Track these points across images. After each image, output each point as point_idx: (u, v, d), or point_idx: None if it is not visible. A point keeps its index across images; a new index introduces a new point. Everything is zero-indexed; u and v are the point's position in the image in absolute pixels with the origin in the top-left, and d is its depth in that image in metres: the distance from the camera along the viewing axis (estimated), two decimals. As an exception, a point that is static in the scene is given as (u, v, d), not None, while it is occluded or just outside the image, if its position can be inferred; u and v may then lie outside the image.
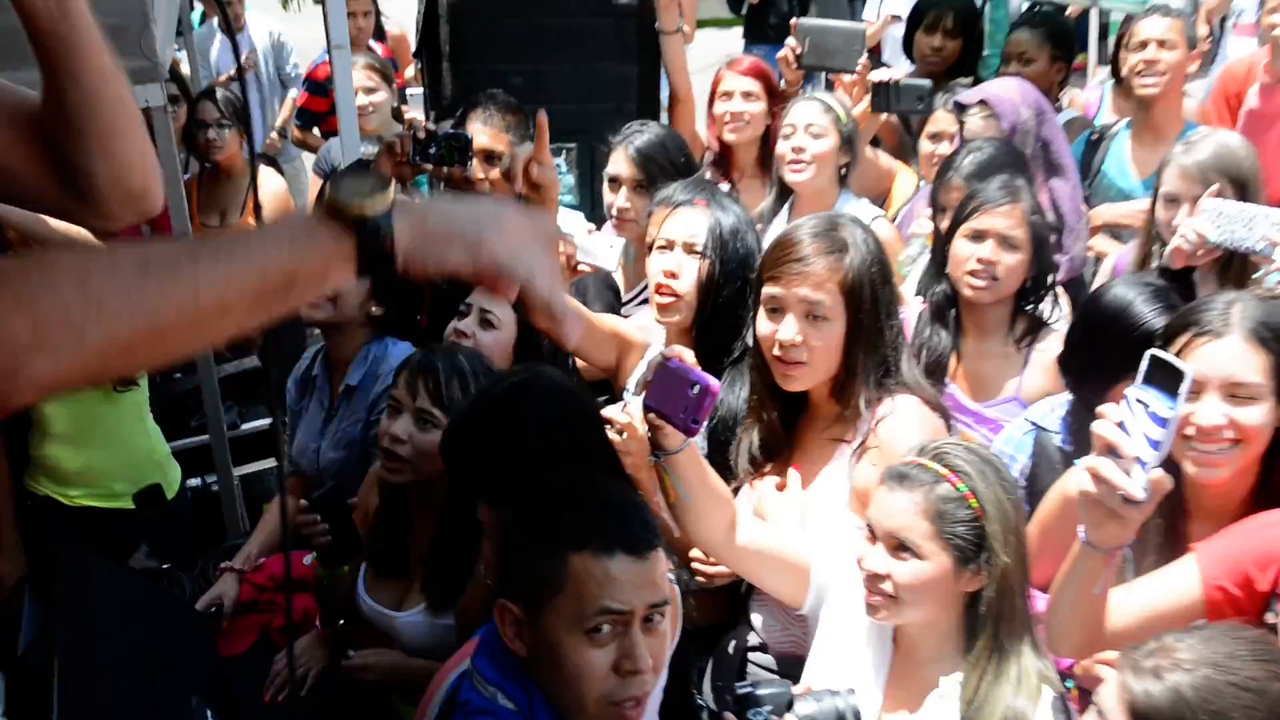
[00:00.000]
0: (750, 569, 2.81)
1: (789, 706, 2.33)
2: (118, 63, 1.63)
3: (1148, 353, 2.16)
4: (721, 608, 3.08)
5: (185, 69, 7.24)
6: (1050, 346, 3.53)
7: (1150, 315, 3.12)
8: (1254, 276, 3.56)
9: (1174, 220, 3.68)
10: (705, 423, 2.51)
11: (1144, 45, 4.88)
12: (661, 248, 3.37)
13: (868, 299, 2.87)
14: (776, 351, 2.87)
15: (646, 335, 3.46)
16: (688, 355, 2.51)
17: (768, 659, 2.95)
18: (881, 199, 4.94)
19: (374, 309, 3.75)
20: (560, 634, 2.04)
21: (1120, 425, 2.11)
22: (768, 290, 2.91)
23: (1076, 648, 2.49)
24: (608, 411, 2.73)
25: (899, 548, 2.43)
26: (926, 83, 4.76)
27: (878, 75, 4.66)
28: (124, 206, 1.69)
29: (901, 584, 2.43)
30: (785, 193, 4.51)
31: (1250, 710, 1.92)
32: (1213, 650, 1.99)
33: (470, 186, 4.01)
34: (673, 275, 3.28)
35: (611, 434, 2.70)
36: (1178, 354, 2.48)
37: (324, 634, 3.35)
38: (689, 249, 3.30)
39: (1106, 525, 2.19)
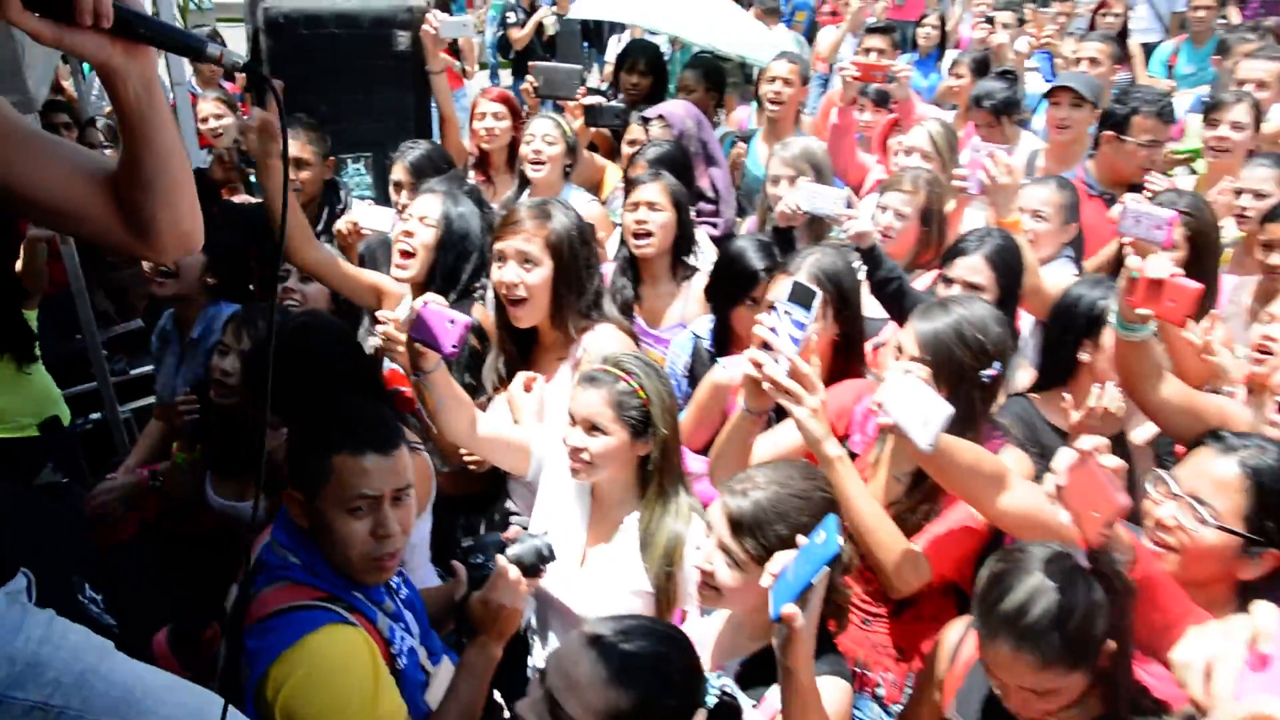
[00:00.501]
0: (488, 452, 2.97)
1: (502, 549, 2.45)
2: (178, 134, 1.68)
3: (790, 279, 2.42)
4: (484, 480, 3.26)
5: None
6: (699, 282, 3.83)
7: (755, 260, 3.48)
8: (830, 234, 4.06)
9: (779, 195, 4.09)
10: (461, 348, 2.65)
11: (773, 80, 5.38)
12: (406, 219, 3.66)
13: (568, 252, 3.12)
14: (504, 293, 3.13)
15: (402, 286, 3.64)
16: (441, 300, 2.68)
17: (525, 519, 3.08)
18: (595, 188, 5.26)
19: (210, 280, 3.85)
20: (330, 512, 2.18)
21: (772, 329, 2.35)
22: (496, 246, 3.17)
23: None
24: (381, 314, 2.95)
25: (592, 428, 2.64)
26: (621, 105, 5.28)
27: (587, 100, 5.08)
28: (176, 245, 1.73)
29: (595, 454, 2.65)
30: (525, 184, 4.82)
31: (800, 509, 2.18)
32: (779, 475, 2.25)
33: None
34: (409, 235, 3.55)
35: (381, 330, 2.93)
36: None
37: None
38: (423, 220, 3.57)
39: (759, 397, 2.40)
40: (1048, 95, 5.14)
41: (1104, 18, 8.14)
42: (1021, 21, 7.92)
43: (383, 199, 4.95)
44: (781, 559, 1.90)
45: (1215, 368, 3.22)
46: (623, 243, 4.07)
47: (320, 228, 4.58)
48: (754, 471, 2.31)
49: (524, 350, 3.33)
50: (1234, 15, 10.31)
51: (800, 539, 1.89)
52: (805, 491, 2.23)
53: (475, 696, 2.35)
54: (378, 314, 2.96)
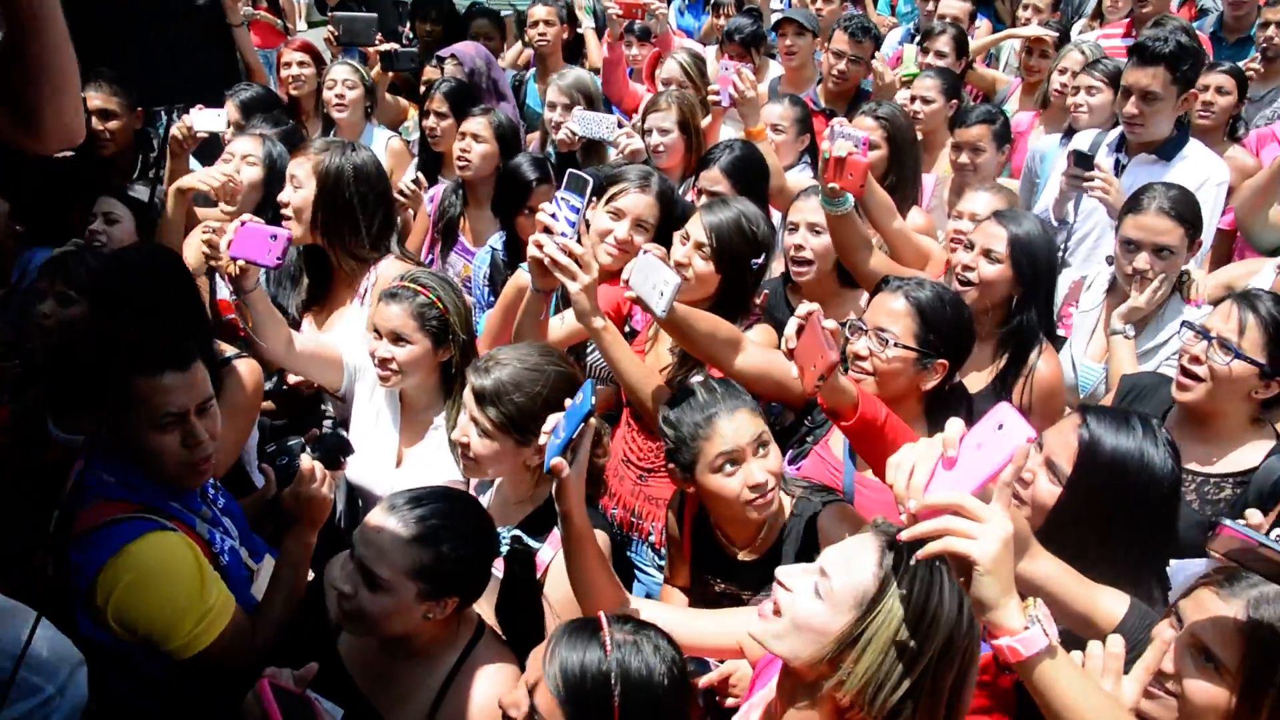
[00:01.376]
0: (305, 368, 2.87)
1: (304, 449, 2.34)
2: (66, 30, 1.50)
3: (569, 171, 2.36)
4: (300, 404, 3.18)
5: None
6: None
7: (529, 172, 3.44)
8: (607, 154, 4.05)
9: (557, 120, 4.06)
10: (284, 260, 2.53)
11: (535, 24, 5.26)
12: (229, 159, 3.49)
13: (333, 184, 2.96)
14: (282, 211, 2.98)
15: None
16: (257, 219, 2.57)
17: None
18: (399, 124, 5.14)
19: (17, 228, 3.56)
20: (141, 431, 2.08)
21: (553, 215, 2.31)
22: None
23: None
24: (207, 237, 2.71)
25: (397, 339, 2.56)
26: (415, 50, 5.06)
27: (384, 47, 4.85)
28: (60, 137, 1.56)
29: (402, 361, 2.56)
30: (330, 124, 4.67)
31: (534, 379, 2.22)
32: (518, 353, 2.29)
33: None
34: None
35: (203, 247, 2.68)
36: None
37: None
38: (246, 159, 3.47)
39: (544, 276, 2.35)
40: (775, 27, 5.21)
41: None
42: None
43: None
44: (553, 420, 1.89)
45: (926, 253, 3.37)
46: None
47: (135, 175, 4.21)
48: (497, 351, 2.31)
49: (320, 279, 3.17)
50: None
51: (568, 403, 1.87)
52: (539, 365, 2.25)
53: (297, 581, 2.28)
54: (204, 239, 2.70)
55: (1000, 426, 1.33)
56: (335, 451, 2.40)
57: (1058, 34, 5.24)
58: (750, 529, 2.22)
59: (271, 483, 2.50)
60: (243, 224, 2.50)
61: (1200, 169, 3.49)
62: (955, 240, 3.21)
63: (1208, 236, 3.37)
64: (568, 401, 1.86)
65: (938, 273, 3.30)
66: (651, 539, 2.77)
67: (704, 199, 3.29)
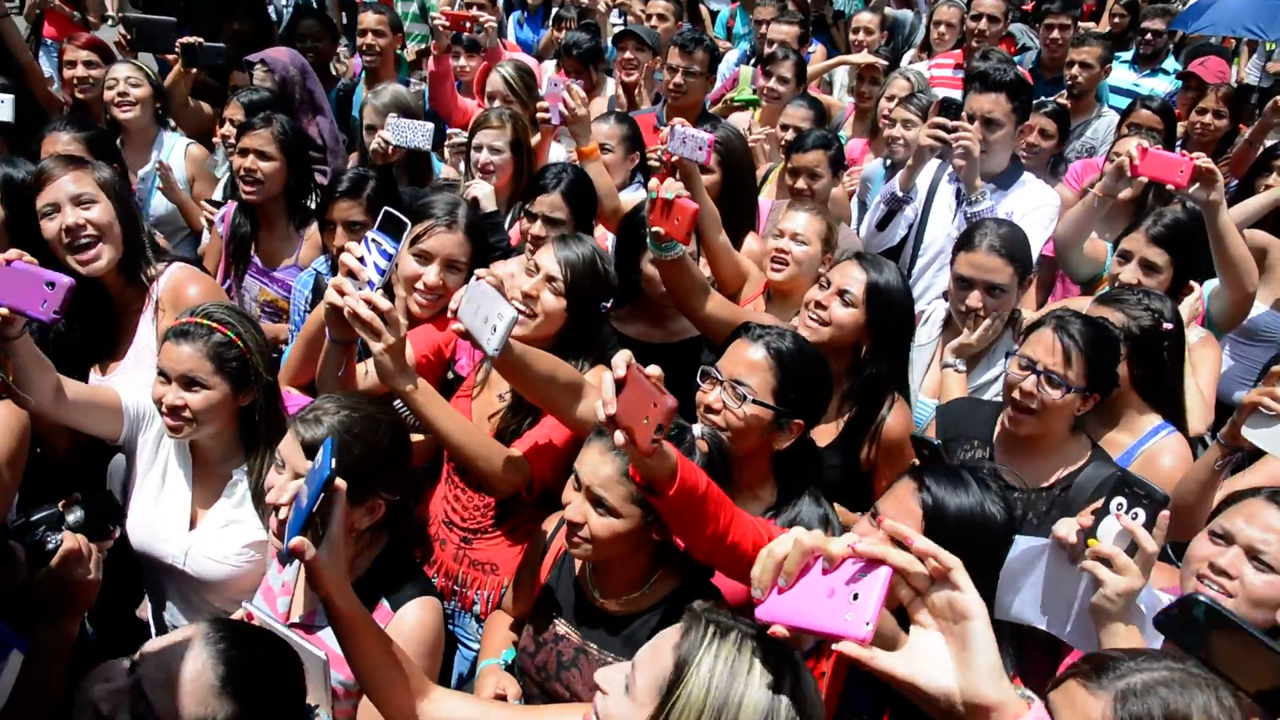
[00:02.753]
0: (78, 418, 2.36)
1: (60, 520, 2.01)
2: None
3: (385, 209, 2.07)
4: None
5: None
6: (316, 228, 3.38)
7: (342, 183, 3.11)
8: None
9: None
10: (64, 313, 1.99)
11: (364, 34, 4.91)
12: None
13: (120, 189, 2.65)
14: (69, 240, 2.54)
15: None
16: (28, 257, 2.04)
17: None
18: (202, 132, 4.53)
19: None
20: None
21: (360, 259, 2.03)
22: (43, 201, 2.57)
23: None
24: None
25: (189, 384, 2.19)
26: (219, 45, 4.50)
27: (185, 40, 4.29)
28: None
29: (196, 409, 2.20)
30: (117, 129, 4.10)
31: (372, 428, 1.95)
32: (349, 400, 2.00)
33: None
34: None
35: None
36: None
37: None
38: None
39: (342, 327, 2.07)
40: (615, 41, 5.04)
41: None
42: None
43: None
44: (290, 488, 1.59)
45: (745, 272, 3.24)
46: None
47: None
48: (321, 401, 2.00)
49: (99, 310, 2.72)
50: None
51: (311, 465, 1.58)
52: (373, 414, 1.98)
53: (53, 683, 1.87)
54: None
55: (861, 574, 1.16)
56: (103, 520, 2.03)
57: (888, 62, 5.27)
58: (623, 581, 1.97)
59: (21, 565, 2.00)
60: (7, 263, 1.99)
61: (1037, 196, 3.51)
62: (777, 260, 3.07)
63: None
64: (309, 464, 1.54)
65: (754, 294, 3.23)
66: (476, 609, 2.47)
67: (538, 224, 3.06)
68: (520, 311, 2.36)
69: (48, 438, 2.58)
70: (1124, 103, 6.00)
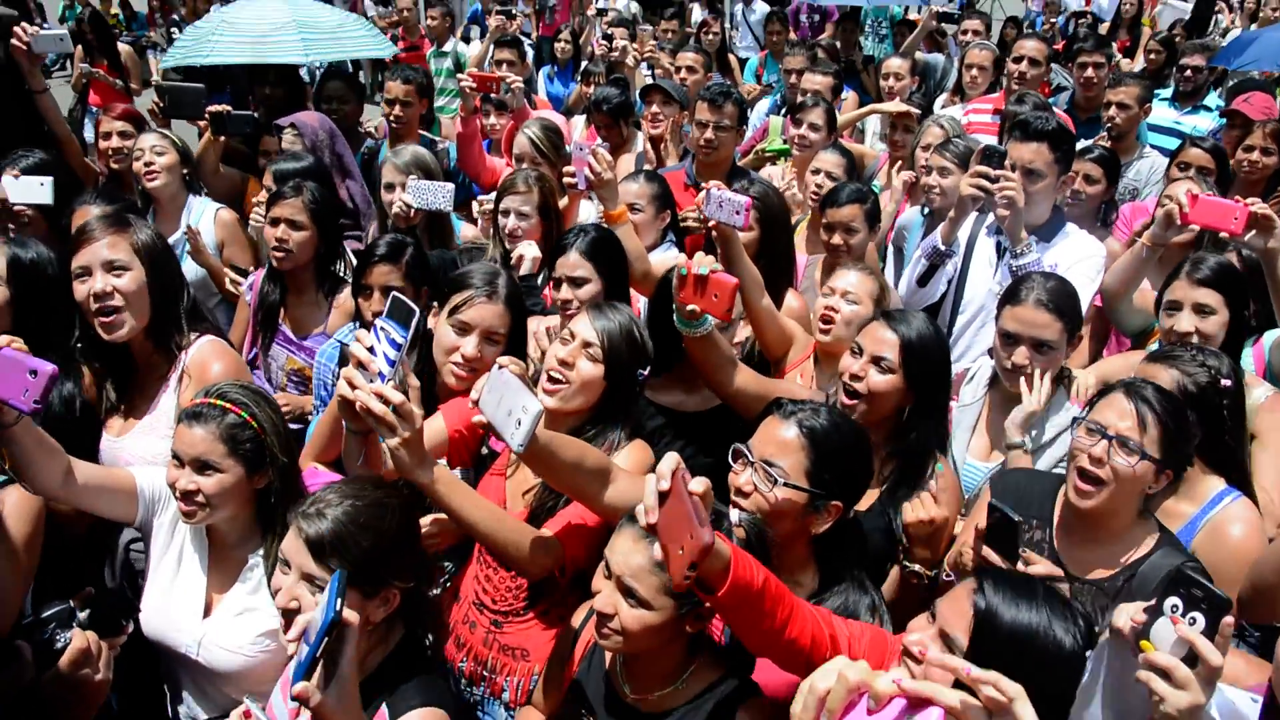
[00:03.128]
0: (90, 502, 2.33)
1: (71, 615, 1.95)
2: None
3: (393, 296, 1.99)
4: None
5: None
6: (346, 296, 3.39)
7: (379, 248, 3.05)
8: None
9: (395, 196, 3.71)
10: (45, 403, 2.01)
11: (393, 104, 4.88)
12: None
13: (159, 257, 2.62)
14: (96, 306, 2.54)
15: None
16: (19, 343, 2.05)
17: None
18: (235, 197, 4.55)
19: None
20: None
21: (370, 348, 1.94)
22: (76, 263, 2.57)
23: None
24: None
25: (203, 468, 2.15)
26: (249, 113, 4.56)
27: (215, 109, 4.33)
28: None
29: (210, 494, 2.16)
30: (149, 200, 4.16)
31: (380, 515, 1.87)
32: (351, 489, 1.92)
33: None
34: None
35: None
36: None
37: None
38: None
39: (357, 418, 1.96)
40: (641, 95, 4.97)
41: (706, 35, 8.21)
42: (633, 37, 7.87)
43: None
44: (299, 624, 1.49)
45: (790, 335, 3.11)
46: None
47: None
48: (321, 493, 1.90)
49: (121, 378, 2.70)
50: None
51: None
52: (378, 499, 1.89)
53: None
54: None
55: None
56: (115, 615, 1.97)
57: (920, 109, 5.17)
58: (656, 675, 1.87)
59: (29, 664, 1.94)
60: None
61: (1082, 248, 3.38)
62: (826, 319, 2.97)
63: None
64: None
65: (802, 357, 3.10)
66: (505, 696, 2.34)
67: (564, 288, 2.98)
68: (553, 384, 2.31)
69: (66, 515, 2.49)
70: (1164, 141, 5.89)
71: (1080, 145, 5.06)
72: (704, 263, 2.30)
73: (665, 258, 3.61)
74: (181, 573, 2.33)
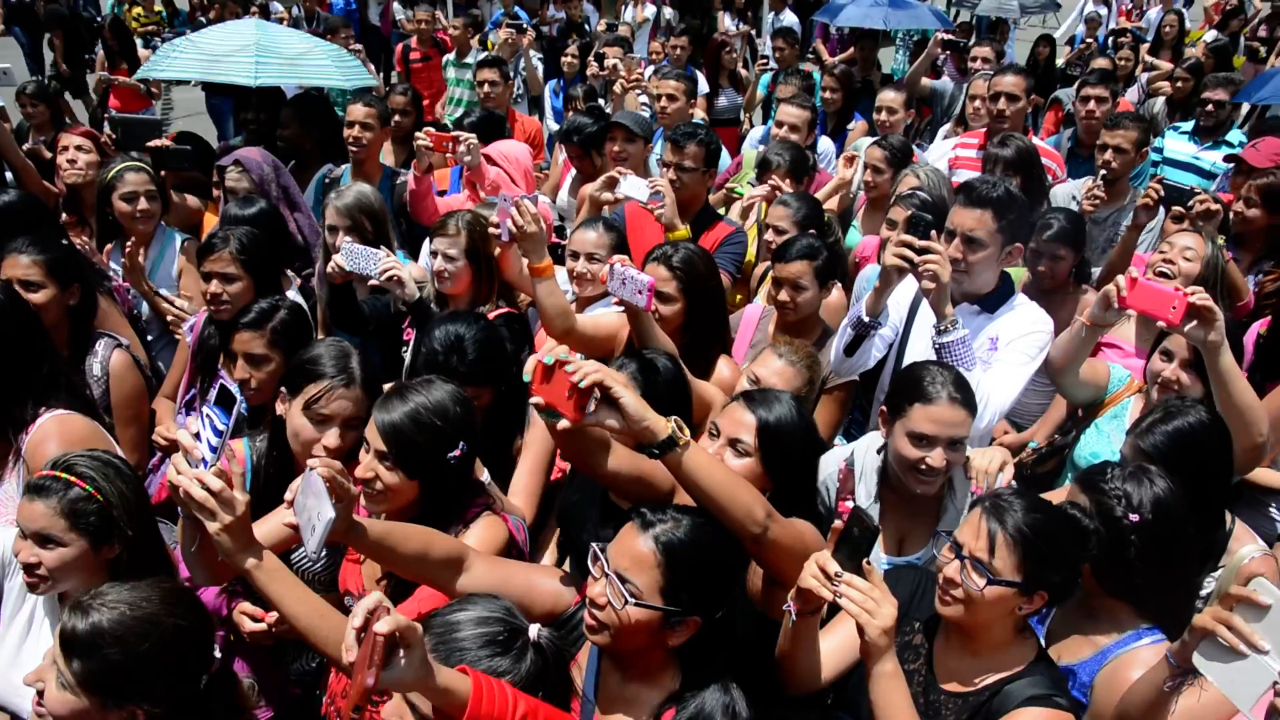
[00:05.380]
0: None
1: None
2: None
3: (219, 382, 2.00)
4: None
5: None
6: None
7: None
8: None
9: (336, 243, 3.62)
10: None
11: (352, 125, 4.75)
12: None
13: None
14: None
15: None
16: None
17: None
18: (195, 231, 4.52)
19: None
20: None
21: (196, 434, 1.95)
22: None
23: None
24: None
25: (45, 541, 2.14)
26: (188, 148, 4.57)
27: (155, 144, 4.39)
28: None
29: (50, 567, 2.16)
30: (113, 230, 4.10)
31: (143, 635, 1.81)
32: (135, 595, 1.87)
33: None
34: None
35: None
36: None
37: None
38: None
39: (185, 504, 1.91)
40: (605, 130, 4.80)
41: (726, 53, 8.08)
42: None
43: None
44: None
45: (709, 401, 2.93)
46: None
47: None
48: (108, 588, 1.87)
49: None
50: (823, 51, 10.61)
51: None
52: (155, 616, 1.83)
53: None
54: None
55: None
56: None
57: (898, 147, 4.91)
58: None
59: None
60: None
61: (1026, 322, 3.13)
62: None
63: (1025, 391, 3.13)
64: None
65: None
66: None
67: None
68: (369, 497, 2.23)
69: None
70: (1181, 176, 5.59)
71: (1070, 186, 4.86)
72: (552, 351, 2.12)
73: (607, 312, 3.49)
74: (31, 637, 2.30)
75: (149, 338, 3.97)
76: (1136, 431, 2.64)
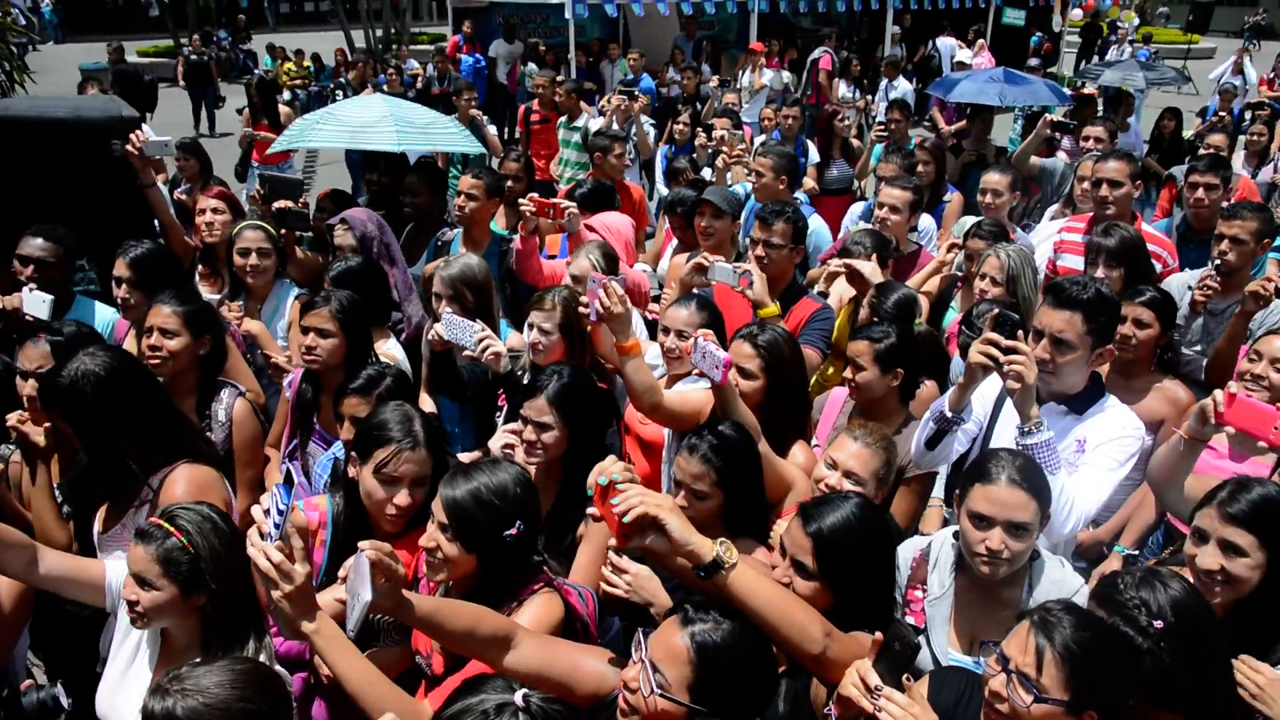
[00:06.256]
0: (58, 590, 2.62)
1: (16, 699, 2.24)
2: None
3: (286, 467, 2.16)
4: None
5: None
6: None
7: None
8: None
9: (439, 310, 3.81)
10: None
11: (459, 194, 5.04)
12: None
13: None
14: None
15: None
16: None
17: None
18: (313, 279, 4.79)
19: None
20: None
21: (266, 511, 2.09)
22: None
23: None
24: None
25: (142, 583, 2.32)
26: (306, 212, 4.92)
27: (278, 205, 4.68)
28: None
29: (145, 606, 2.33)
30: (238, 281, 4.50)
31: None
32: (221, 678, 1.98)
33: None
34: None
35: None
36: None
37: None
38: None
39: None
40: (693, 208, 4.92)
41: (839, 122, 8.02)
42: (737, 125, 7.85)
43: (107, 294, 4.44)
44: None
45: (789, 481, 3.02)
46: None
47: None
48: (187, 672, 1.97)
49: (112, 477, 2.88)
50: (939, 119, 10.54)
51: None
52: (226, 702, 1.93)
53: None
54: None
55: None
56: (43, 711, 2.28)
57: (997, 234, 4.85)
58: None
59: None
60: None
61: (1115, 426, 3.03)
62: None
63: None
64: None
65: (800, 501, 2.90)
66: None
67: (529, 428, 3.01)
68: (430, 566, 2.35)
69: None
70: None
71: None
72: (607, 471, 2.14)
73: (694, 387, 3.57)
74: (135, 664, 2.48)
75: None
76: (1217, 500, 2.50)
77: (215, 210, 4.79)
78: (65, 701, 2.27)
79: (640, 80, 11.73)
